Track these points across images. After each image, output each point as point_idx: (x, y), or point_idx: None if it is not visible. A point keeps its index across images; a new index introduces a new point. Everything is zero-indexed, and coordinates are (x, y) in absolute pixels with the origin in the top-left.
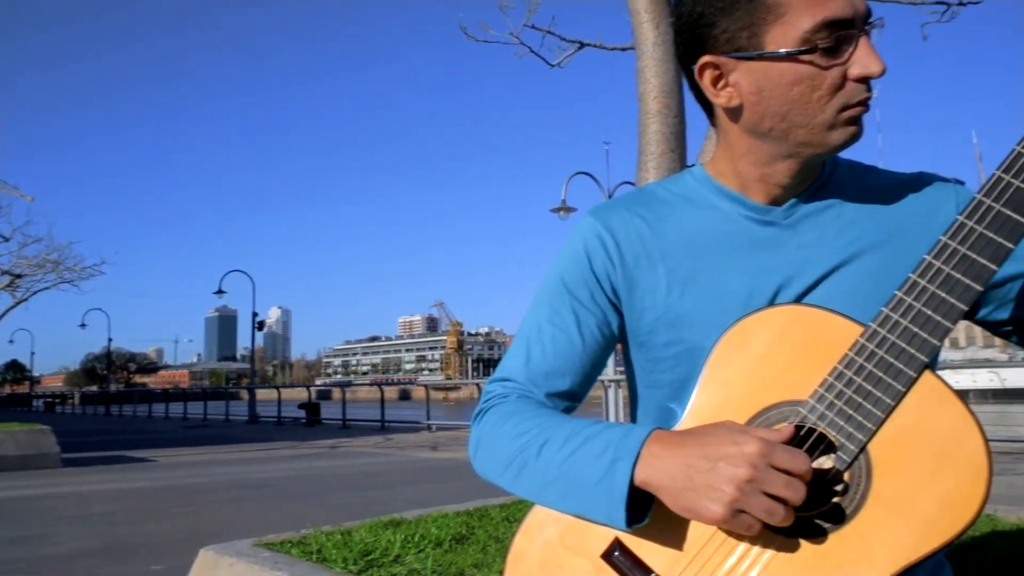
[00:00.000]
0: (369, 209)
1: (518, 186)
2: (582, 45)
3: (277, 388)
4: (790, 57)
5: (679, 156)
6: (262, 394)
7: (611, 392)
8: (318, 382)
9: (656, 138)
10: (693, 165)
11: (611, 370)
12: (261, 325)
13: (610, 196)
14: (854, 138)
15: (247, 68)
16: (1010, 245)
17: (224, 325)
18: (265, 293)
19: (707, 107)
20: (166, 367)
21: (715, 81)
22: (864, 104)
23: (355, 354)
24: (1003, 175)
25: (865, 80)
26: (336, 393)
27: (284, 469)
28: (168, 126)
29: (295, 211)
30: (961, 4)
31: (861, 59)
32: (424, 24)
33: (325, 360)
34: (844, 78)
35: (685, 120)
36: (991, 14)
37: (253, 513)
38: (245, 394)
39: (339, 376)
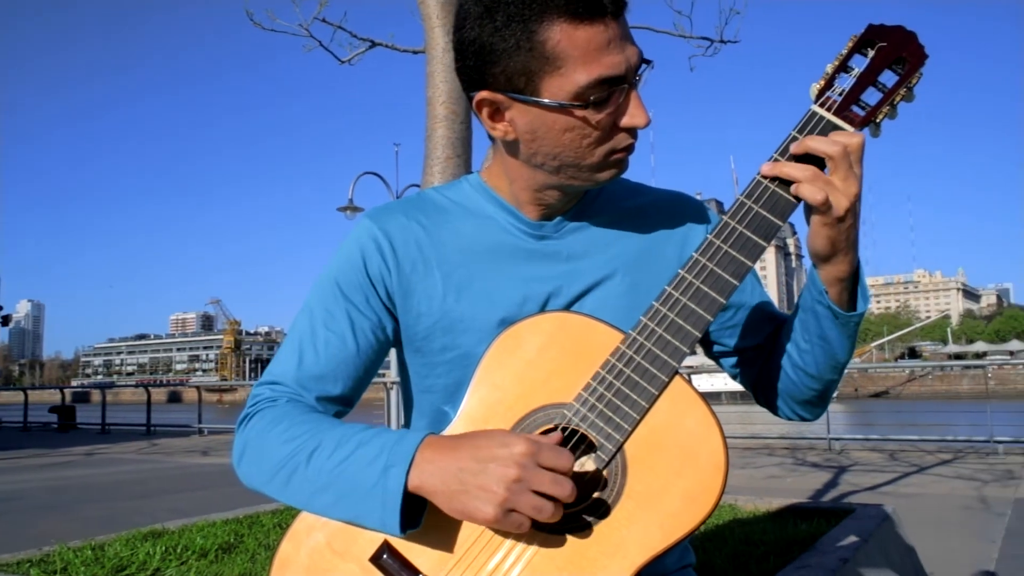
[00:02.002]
0: (139, 201)
1: (304, 183)
2: (373, 44)
3: (24, 390)
4: (563, 108)
5: (464, 161)
6: (5, 396)
7: (393, 394)
8: (74, 383)
9: (443, 143)
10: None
11: (394, 372)
12: (6, 320)
13: (399, 197)
14: (618, 175)
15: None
16: (749, 263)
17: None
18: (12, 284)
19: None
20: None
21: (492, 115)
22: (629, 149)
23: (119, 353)
24: (745, 200)
25: (632, 129)
26: (95, 395)
27: (29, 480)
28: None
29: (52, 198)
30: (723, 42)
31: (629, 111)
32: (207, 11)
33: (84, 359)
34: (613, 127)
35: (472, 126)
36: (749, 53)
37: None
38: None
39: (100, 377)
